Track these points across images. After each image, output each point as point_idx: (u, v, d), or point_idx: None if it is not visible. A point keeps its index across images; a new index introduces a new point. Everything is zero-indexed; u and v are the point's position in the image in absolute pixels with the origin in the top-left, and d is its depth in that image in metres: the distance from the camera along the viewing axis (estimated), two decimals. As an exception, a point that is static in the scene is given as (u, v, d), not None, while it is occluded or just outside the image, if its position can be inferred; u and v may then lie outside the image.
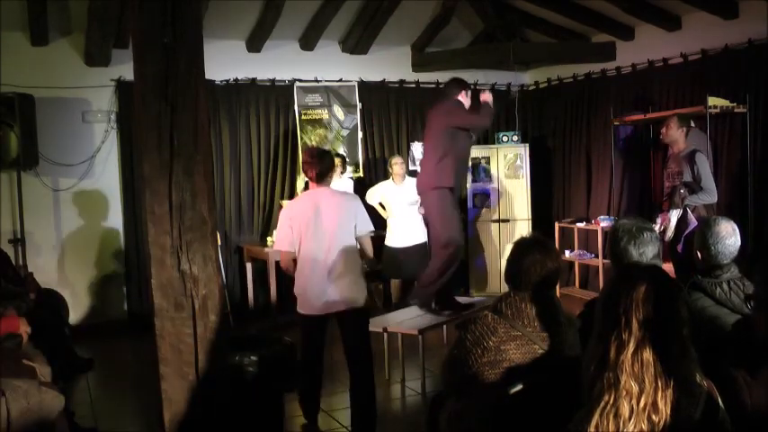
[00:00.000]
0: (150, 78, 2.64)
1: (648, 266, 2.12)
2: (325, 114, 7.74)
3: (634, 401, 1.73)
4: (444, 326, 5.69)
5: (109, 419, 4.58)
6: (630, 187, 7.44)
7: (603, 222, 7.34)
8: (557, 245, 7.55)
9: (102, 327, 6.69)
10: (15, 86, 6.10)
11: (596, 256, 7.54)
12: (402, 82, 8.08)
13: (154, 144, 2.64)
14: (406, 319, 5.42)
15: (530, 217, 8.20)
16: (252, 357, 3.60)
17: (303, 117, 7.63)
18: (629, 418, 1.72)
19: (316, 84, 7.67)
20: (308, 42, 7.51)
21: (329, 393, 5.08)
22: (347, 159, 7.55)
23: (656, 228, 5.23)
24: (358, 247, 4.17)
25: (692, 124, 6.45)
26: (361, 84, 7.88)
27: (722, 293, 2.76)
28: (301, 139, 7.62)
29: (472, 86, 5.85)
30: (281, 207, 7.30)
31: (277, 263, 6.74)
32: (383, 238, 7.14)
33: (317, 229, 4.02)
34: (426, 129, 5.66)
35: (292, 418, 4.42)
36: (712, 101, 6.06)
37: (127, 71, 6.27)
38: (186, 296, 2.66)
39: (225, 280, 7.05)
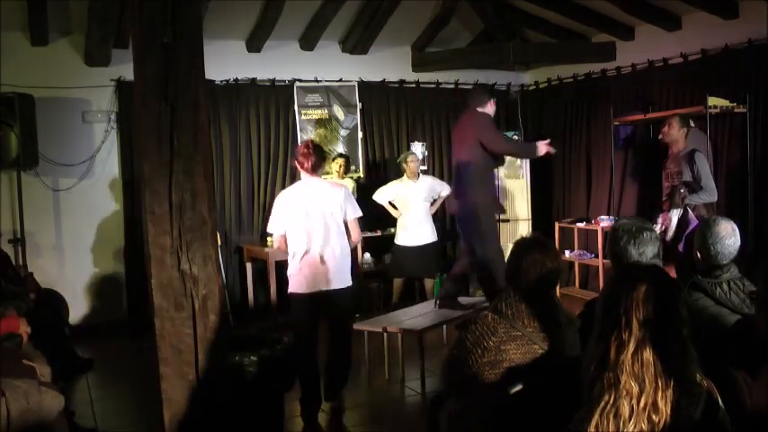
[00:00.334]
0: (150, 78, 2.63)
1: (649, 266, 2.12)
2: (325, 114, 7.74)
3: (634, 401, 1.73)
4: (444, 326, 5.70)
5: (109, 419, 4.58)
6: (630, 187, 7.44)
7: (603, 222, 7.34)
8: (557, 245, 7.55)
9: (102, 327, 6.69)
10: (15, 86, 6.10)
11: (596, 256, 7.54)
12: (402, 82, 8.08)
13: (154, 144, 2.64)
14: (406, 319, 5.42)
15: (530, 217, 8.21)
16: (252, 357, 3.60)
17: (303, 117, 7.63)
18: (630, 418, 1.72)
19: (316, 84, 7.68)
20: (307, 42, 7.51)
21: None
22: (349, 159, 7.55)
23: (657, 228, 5.24)
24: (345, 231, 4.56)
25: (692, 124, 6.45)
26: (361, 84, 7.88)
27: (722, 293, 2.76)
28: (301, 139, 7.61)
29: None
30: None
31: (277, 263, 6.78)
32: (392, 236, 7.18)
33: (307, 216, 4.40)
34: (456, 143, 5.65)
35: (292, 418, 4.42)
36: (712, 101, 6.06)
37: (127, 71, 6.27)
38: (186, 296, 2.66)
39: (225, 280, 7.05)
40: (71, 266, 6.77)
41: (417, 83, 8.14)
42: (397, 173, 7.30)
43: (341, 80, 7.79)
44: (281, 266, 7.02)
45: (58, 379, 4.02)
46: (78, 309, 6.67)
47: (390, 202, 7.16)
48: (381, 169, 8.01)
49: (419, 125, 8.24)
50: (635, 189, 7.38)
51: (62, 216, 6.74)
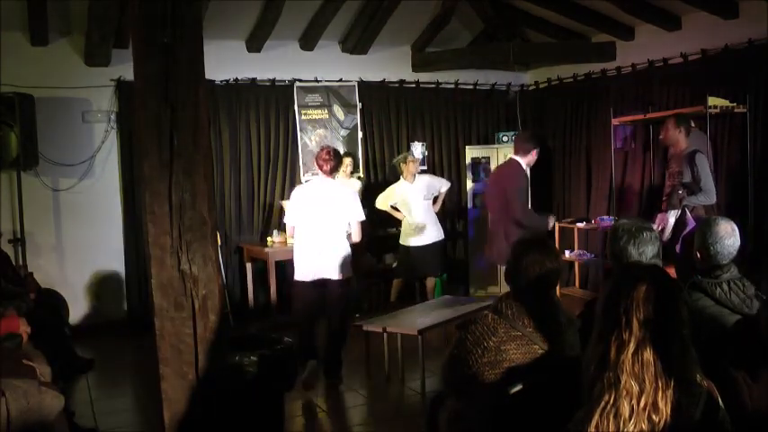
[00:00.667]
0: (150, 78, 2.63)
1: (649, 266, 2.12)
2: (325, 114, 7.74)
3: (634, 401, 1.73)
4: (444, 326, 5.69)
5: (109, 419, 4.58)
6: (630, 187, 7.44)
7: (603, 222, 7.34)
8: (557, 245, 7.55)
9: (102, 327, 6.69)
10: (15, 86, 6.10)
11: (596, 256, 7.54)
12: (402, 82, 8.08)
13: (154, 144, 2.64)
14: (406, 319, 5.42)
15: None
16: (252, 357, 3.60)
17: (303, 117, 7.63)
18: (630, 418, 1.72)
19: (316, 84, 7.68)
20: (307, 42, 7.51)
21: (330, 392, 5.09)
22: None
23: (654, 228, 5.22)
24: (348, 231, 5.15)
25: (692, 124, 6.44)
26: (361, 84, 7.88)
27: (722, 294, 2.76)
28: (301, 139, 7.62)
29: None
30: (281, 207, 7.32)
31: (277, 263, 6.80)
32: (392, 236, 7.19)
33: (316, 212, 5.04)
34: (490, 184, 6.03)
35: (292, 418, 4.42)
36: (712, 101, 6.06)
37: (127, 71, 6.28)
38: (186, 296, 2.66)
39: (225, 280, 7.05)
40: (71, 266, 6.77)
41: (417, 83, 8.14)
42: (396, 173, 7.29)
43: (341, 80, 7.79)
44: (281, 266, 7.06)
45: (58, 379, 4.02)
46: (78, 309, 6.67)
47: (392, 206, 7.17)
48: (381, 169, 8.01)
49: (419, 125, 8.24)
50: (635, 189, 7.38)
51: (62, 216, 6.74)
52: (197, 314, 2.68)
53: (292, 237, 5.29)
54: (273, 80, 7.45)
